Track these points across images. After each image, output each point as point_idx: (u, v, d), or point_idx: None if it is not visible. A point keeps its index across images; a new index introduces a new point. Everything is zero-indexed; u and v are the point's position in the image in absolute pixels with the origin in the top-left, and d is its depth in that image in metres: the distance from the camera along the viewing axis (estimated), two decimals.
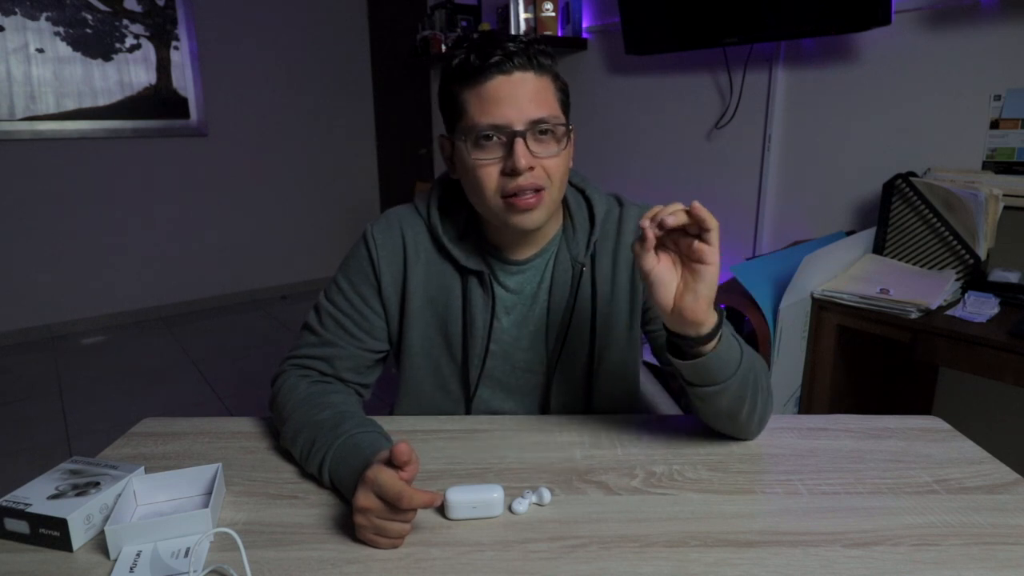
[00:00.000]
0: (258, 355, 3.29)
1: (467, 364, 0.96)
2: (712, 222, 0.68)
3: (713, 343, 0.74)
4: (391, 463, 0.66)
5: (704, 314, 0.71)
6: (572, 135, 0.90)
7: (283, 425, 0.86)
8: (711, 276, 0.70)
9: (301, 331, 0.98)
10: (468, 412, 0.99)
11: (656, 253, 0.71)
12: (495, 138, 0.83)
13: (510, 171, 0.82)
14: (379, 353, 0.98)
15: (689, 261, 0.71)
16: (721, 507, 0.74)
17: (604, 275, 0.95)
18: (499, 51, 0.81)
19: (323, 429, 0.80)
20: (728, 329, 0.78)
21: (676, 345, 0.76)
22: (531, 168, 0.82)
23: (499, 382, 0.99)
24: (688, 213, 0.69)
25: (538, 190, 0.84)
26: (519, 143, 0.81)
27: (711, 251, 0.69)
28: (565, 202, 0.96)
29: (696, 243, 0.70)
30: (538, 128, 0.82)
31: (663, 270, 0.72)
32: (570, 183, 0.98)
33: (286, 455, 0.86)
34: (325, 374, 0.93)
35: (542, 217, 0.86)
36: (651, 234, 0.69)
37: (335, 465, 0.76)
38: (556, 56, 0.88)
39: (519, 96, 0.82)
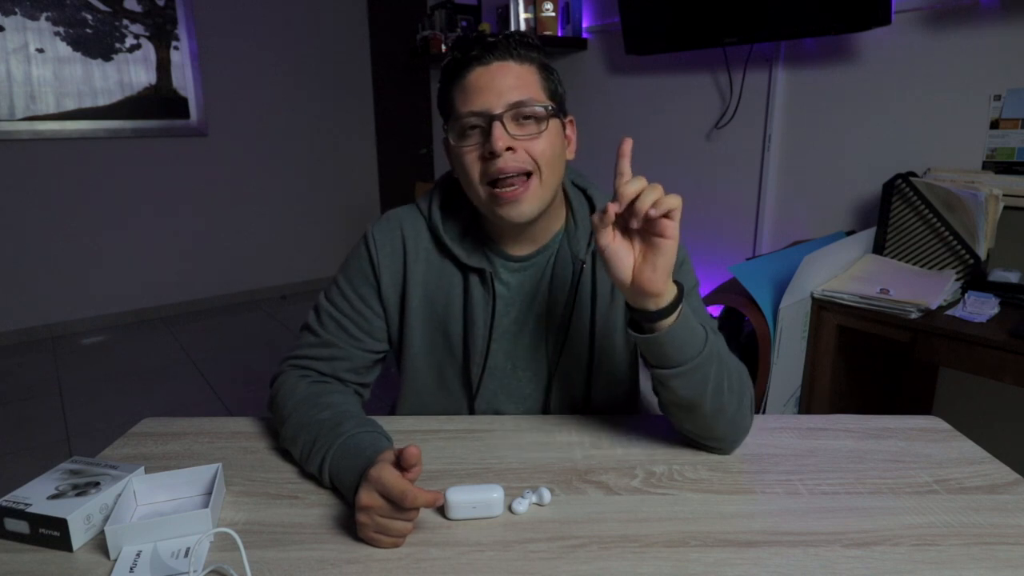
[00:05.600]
0: (258, 355, 3.29)
1: (468, 363, 0.96)
2: (675, 201, 0.69)
3: (671, 318, 0.74)
4: (398, 464, 0.67)
5: (662, 285, 0.71)
6: (566, 124, 0.91)
7: (282, 425, 0.86)
8: (670, 249, 0.70)
9: (301, 331, 0.98)
10: (471, 412, 0.99)
11: (612, 228, 0.72)
12: (476, 124, 0.84)
13: (489, 154, 0.83)
14: (378, 354, 0.98)
15: (649, 235, 0.71)
16: (721, 507, 0.74)
17: (604, 273, 0.95)
18: (478, 45, 0.84)
19: (323, 429, 0.80)
20: (696, 318, 0.78)
21: (636, 321, 0.76)
22: (511, 150, 0.83)
23: (501, 381, 0.98)
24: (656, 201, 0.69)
25: (525, 175, 0.84)
26: (496, 125, 0.82)
27: (673, 226, 0.70)
28: (568, 200, 0.96)
29: (661, 219, 0.69)
30: (518, 111, 0.83)
31: (619, 245, 0.72)
32: (573, 183, 0.98)
33: (286, 455, 0.86)
34: (324, 374, 0.93)
35: (530, 209, 0.86)
36: (612, 210, 0.70)
37: (336, 465, 0.76)
38: (542, 47, 0.89)
39: (498, 83, 0.83)
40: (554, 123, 0.86)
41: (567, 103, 0.93)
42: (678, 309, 0.74)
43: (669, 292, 0.73)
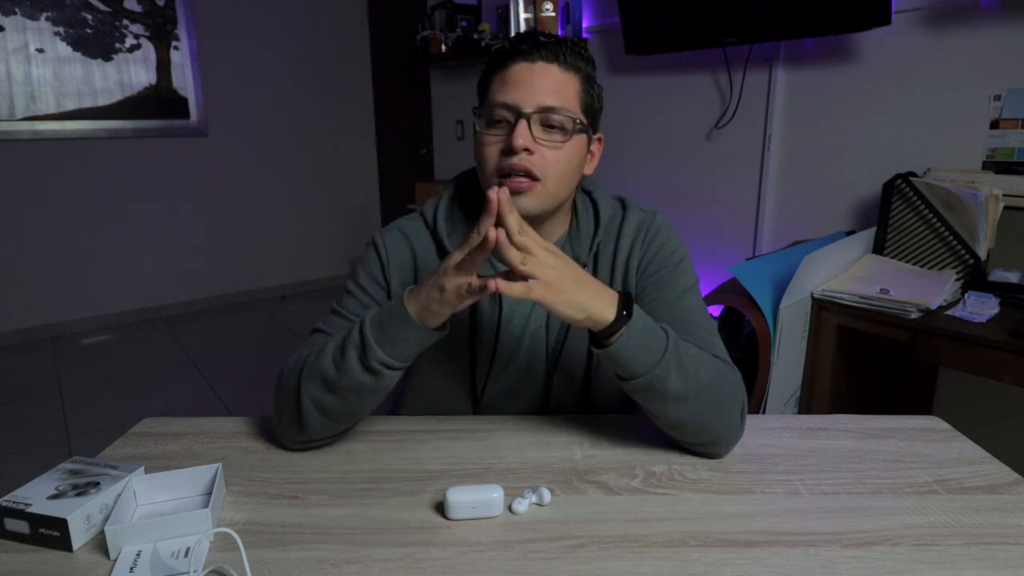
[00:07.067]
0: (258, 355, 3.29)
1: (474, 365, 0.96)
2: (526, 250, 0.71)
3: (615, 339, 0.75)
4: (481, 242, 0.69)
5: (576, 315, 0.74)
6: (592, 140, 0.91)
7: (301, 382, 0.82)
8: (541, 289, 0.71)
9: (310, 334, 0.97)
10: (476, 413, 0.99)
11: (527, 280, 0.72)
12: (504, 116, 0.84)
13: (507, 149, 0.83)
14: None
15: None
16: (721, 507, 0.74)
17: (604, 276, 0.95)
18: (528, 40, 0.85)
19: (346, 335, 0.80)
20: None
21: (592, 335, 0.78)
22: (529, 151, 0.83)
23: (504, 382, 0.99)
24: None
25: (531, 177, 0.84)
26: (521, 123, 0.82)
27: (533, 269, 0.71)
28: (573, 205, 0.96)
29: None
30: (547, 116, 0.84)
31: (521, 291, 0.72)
32: (580, 187, 0.98)
33: (286, 455, 0.86)
34: None
35: (531, 205, 0.85)
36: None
37: (375, 331, 0.77)
38: (592, 61, 0.89)
39: (536, 83, 0.84)
40: (579, 138, 0.87)
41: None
42: (619, 332, 0.75)
43: (601, 312, 0.74)
